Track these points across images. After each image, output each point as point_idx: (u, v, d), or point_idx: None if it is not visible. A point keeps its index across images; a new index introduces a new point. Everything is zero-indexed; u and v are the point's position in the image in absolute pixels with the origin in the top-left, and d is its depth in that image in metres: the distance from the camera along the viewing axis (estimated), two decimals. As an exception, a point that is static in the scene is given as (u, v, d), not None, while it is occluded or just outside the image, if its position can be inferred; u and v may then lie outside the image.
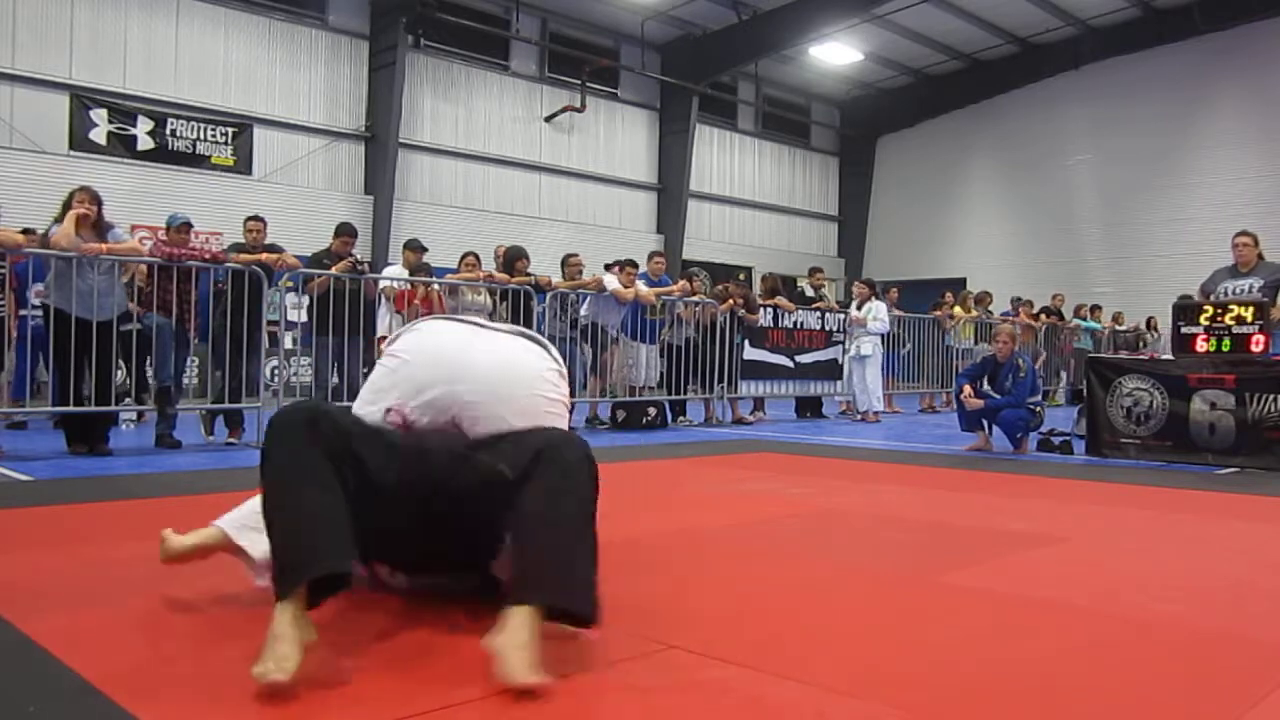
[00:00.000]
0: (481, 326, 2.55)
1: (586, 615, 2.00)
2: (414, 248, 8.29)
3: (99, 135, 13.12)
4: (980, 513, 4.34)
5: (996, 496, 4.89)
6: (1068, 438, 7.44)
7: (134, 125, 13.41)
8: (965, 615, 2.53)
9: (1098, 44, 19.54)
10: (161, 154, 13.58)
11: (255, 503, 2.23)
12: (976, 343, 12.80)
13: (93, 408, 6.16)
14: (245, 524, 2.37)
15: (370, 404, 2.40)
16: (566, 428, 2.52)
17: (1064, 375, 14.60)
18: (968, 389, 7.24)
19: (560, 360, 2.61)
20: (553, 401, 2.45)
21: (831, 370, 11.07)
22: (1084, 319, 15.51)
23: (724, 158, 21.52)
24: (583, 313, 8.95)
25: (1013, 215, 21.46)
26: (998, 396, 7.20)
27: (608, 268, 9.62)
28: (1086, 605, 2.64)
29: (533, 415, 2.37)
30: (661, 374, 9.51)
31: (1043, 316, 14.71)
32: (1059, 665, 2.10)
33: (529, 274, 8.58)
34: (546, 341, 2.65)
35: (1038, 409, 7.32)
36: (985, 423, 7.32)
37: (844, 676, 1.99)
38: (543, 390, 2.43)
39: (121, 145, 13.30)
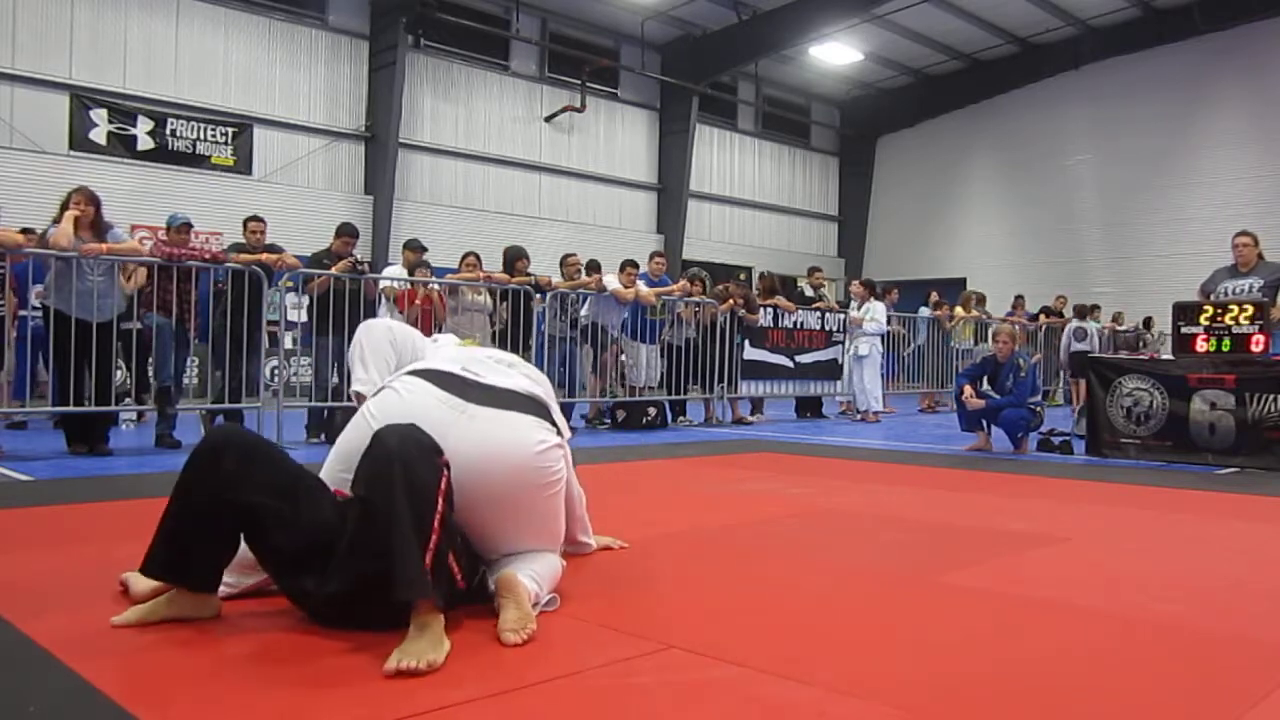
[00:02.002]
0: (468, 399, 2.39)
1: (421, 598, 2.00)
2: (414, 248, 8.28)
3: (99, 135, 13.11)
4: (980, 513, 4.33)
5: (996, 496, 4.89)
6: (1068, 438, 7.44)
7: (134, 125, 13.40)
8: (966, 615, 2.53)
9: (1098, 44, 19.53)
10: (161, 154, 13.57)
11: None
12: (976, 343, 12.80)
13: (93, 408, 6.16)
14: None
15: (341, 470, 2.33)
16: (563, 491, 2.53)
17: (1064, 375, 14.59)
18: (968, 389, 7.24)
19: (555, 412, 2.56)
20: (545, 485, 2.41)
21: (831, 370, 11.07)
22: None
23: (724, 158, 21.51)
24: (583, 313, 8.96)
25: (1013, 215, 21.45)
26: (998, 396, 7.21)
27: (589, 270, 9.45)
28: (1086, 605, 2.64)
29: (521, 508, 2.37)
30: (662, 374, 9.51)
31: (1043, 316, 14.71)
32: (1059, 665, 2.10)
33: (529, 274, 8.59)
34: (543, 390, 2.58)
35: (1038, 409, 7.33)
36: (985, 423, 7.32)
37: (844, 676, 1.99)
38: (532, 480, 2.38)
39: (121, 145, 13.29)
